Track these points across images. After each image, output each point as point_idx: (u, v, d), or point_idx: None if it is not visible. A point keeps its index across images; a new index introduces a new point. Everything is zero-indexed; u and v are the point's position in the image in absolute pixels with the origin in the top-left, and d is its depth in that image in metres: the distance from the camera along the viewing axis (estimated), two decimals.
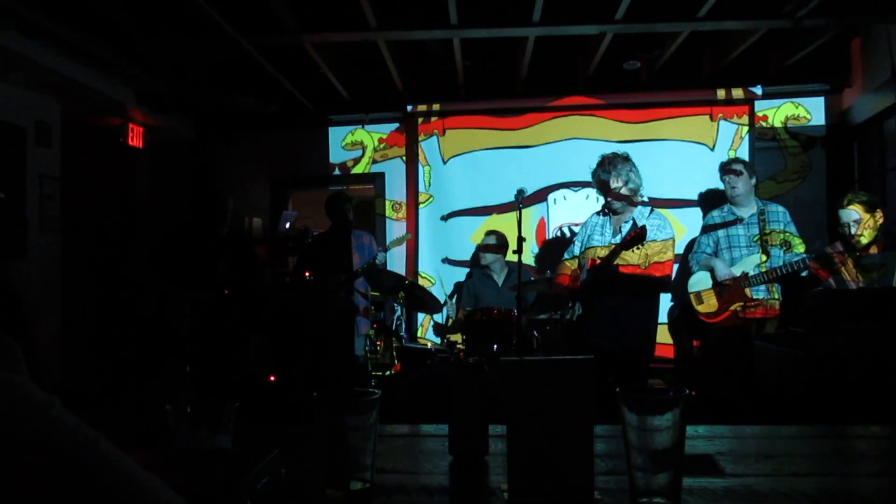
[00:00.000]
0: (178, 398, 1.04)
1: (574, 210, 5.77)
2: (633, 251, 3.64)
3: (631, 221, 3.78)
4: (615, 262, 3.69)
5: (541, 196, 5.89)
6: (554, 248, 5.62)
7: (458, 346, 4.59)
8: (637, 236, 3.53)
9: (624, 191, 3.81)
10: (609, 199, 3.90)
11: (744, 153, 5.41)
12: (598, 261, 3.79)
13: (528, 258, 5.78)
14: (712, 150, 5.62)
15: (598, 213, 4.07)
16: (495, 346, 4.20)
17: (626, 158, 3.86)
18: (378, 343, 5.16)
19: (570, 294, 4.02)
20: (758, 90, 5.56)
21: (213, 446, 1.03)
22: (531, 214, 5.85)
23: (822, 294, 3.63)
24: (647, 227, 3.69)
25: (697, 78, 5.72)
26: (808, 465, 1.16)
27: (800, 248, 4.16)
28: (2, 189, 4.62)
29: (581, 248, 4.07)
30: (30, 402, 0.58)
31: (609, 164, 3.83)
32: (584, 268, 3.91)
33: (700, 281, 4.37)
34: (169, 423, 1.02)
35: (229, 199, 4.53)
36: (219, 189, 4.64)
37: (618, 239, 3.78)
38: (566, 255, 4.25)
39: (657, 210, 3.87)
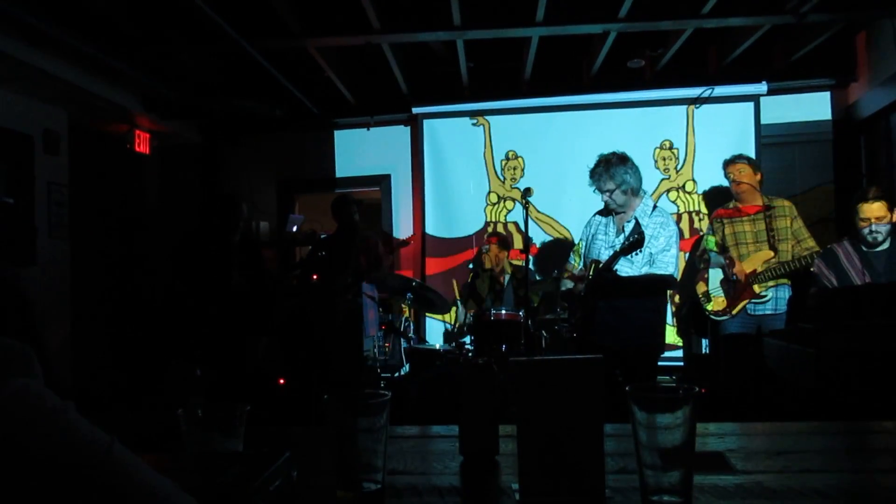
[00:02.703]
0: (190, 402, 1.05)
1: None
2: (636, 253, 3.63)
3: (633, 221, 3.76)
4: (621, 263, 3.67)
5: None
6: (558, 247, 5.62)
7: (466, 346, 4.60)
8: (635, 242, 3.51)
9: (617, 194, 3.77)
10: (604, 199, 3.88)
11: (750, 149, 5.39)
12: (600, 264, 3.77)
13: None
14: None
15: (599, 213, 4.04)
16: (504, 347, 4.21)
17: (621, 160, 3.76)
18: (387, 345, 5.17)
19: (578, 295, 4.01)
20: (763, 86, 5.54)
21: (225, 449, 1.03)
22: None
23: (828, 291, 3.61)
24: (650, 225, 3.67)
25: (702, 75, 5.71)
26: (820, 461, 1.15)
27: (808, 242, 4.14)
28: (11, 196, 4.66)
29: (585, 247, 4.05)
30: (45, 407, 0.59)
31: (602, 167, 3.80)
32: (588, 269, 3.90)
33: (708, 279, 4.36)
34: (181, 427, 1.03)
35: (243, 206, 4.52)
36: (233, 197, 4.63)
37: (621, 238, 3.77)
38: (572, 256, 4.24)
39: (660, 207, 3.85)
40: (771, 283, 4.11)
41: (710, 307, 4.32)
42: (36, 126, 5.01)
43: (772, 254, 4.11)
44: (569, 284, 4.11)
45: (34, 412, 0.58)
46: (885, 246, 3.73)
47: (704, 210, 5.60)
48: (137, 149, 5.93)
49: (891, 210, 3.69)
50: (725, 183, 4.49)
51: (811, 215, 4.88)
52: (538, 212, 5.87)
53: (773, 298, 4.14)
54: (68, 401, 0.61)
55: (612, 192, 3.76)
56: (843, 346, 2.72)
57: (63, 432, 0.59)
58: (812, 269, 3.92)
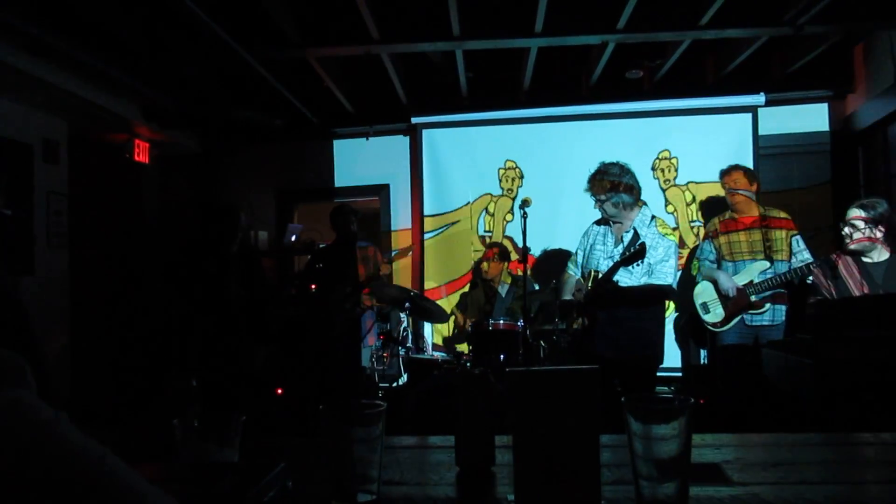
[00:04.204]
0: (186, 412, 1.05)
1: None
2: (635, 264, 3.62)
3: (632, 231, 3.76)
4: (619, 274, 3.66)
5: None
6: (556, 258, 5.62)
7: (464, 356, 4.59)
8: (637, 253, 3.50)
9: (608, 205, 3.77)
10: (598, 208, 3.87)
11: (748, 159, 5.41)
12: (599, 274, 3.77)
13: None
14: None
15: (597, 223, 4.03)
16: (502, 357, 4.20)
17: (619, 171, 3.75)
18: (384, 354, 5.16)
19: (576, 305, 4.01)
20: (761, 98, 5.57)
21: (221, 460, 1.03)
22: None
23: (826, 302, 3.61)
24: (648, 236, 3.67)
25: (700, 86, 5.73)
26: (817, 472, 1.15)
27: (803, 254, 4.14)
28: (10, 206, 4.65)
29: (583, 257, 4.04)
30: (37, 418, 0.59)
31: (598, 176, 3.80)
32: (587, 280, 3.89)
33: (705, 290, 4.36)
34: (176, 437, 1.03)
35: (241, 216, 4.52)
36: (231, 206, 4.63)
37: (619, 248, 3.76)
38: (569, 265, 4.24)
39: (658, 217, 3.85)
40: (768, 295, 4.11)
41: (707, 318, 4.32)
42: (35, 135, 5.02)
43: (767, 264, 4.12)
44: (567, 294, 4.11)
45: (26, 423, 0.58)
46: (884, 257, 3.73)
47: (702, 220, 5.61)
48: (137, 158, 5.94)
49: (871, 224, 3.67)
50: (723, 193, 4.50)
51: (809, 226, 4.87)
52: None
53: (771, 310, 4.14)
54: (61, 411, 0.61)
55: (603, 202, 3.77)
56: (842, 356, 2.72)
57: (55, 444, 0.58)
58: (809, 280, 3.92)
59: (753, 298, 4.11)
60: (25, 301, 3.61)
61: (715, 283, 4.26)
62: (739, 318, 4.18)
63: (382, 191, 6.48)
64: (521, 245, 3.91)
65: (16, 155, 4.83)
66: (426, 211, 6.15)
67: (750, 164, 5.30)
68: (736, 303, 4.16)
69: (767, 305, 4.12)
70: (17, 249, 4.78)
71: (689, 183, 5.72)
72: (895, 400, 2.55)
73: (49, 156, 5.13)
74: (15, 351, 0.64)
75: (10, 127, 4.78)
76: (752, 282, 4.11)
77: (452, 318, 5.51)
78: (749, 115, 5.63)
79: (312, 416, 1.00)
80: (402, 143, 6.44)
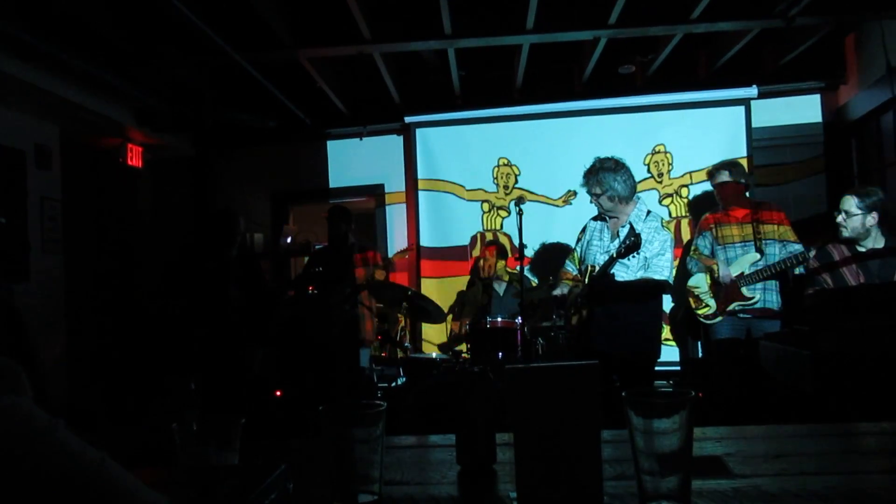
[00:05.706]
0: (185, 416, 1.04)
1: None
2: (631, 257, 3.63)
3: (628, 226, 3.76)
4: (616, 268, 3.67)
5: None
6: (554, 254, 5.62)
7: (463, 355, 4.59)
8: (632, 245, 3.51)
9: (604, 199, 3.78)
10: (594, 203, 3.88)
11: (741, 152, 5.42)
12: (596, 269, 3.77)
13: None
14: None
15: (594, 219, 4.04)
16: (500, 355, 4.20)
17: (614, 166, 3.76)
18: (383, 354, 5.15)
19: (573, 301, 4.01)
20: (753, 90, 5.57)
21: (221, 463, 1.03)
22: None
23: (822, 292, 3.61)
24: (644, 230, 3.67)
25: (693, 80, 5.74)
26: (818, 463, 1.15)
27: (794, 245, 4.15)
28: (3, 212, 4.64)
29: (581, 253, 4.05)
30: (34, 425, 0.58)
31: (593, 171, 3.81)
32: (585, 275, 3.90)
33: (698, 282, 4.37)
34: (176, 441, 1.02)
35: (240, 220, 4.52)
36: (230, 211, 4.62)
37: (616, 243, 3.77)
38: (567, 262, 4.24)
39: (653, 212, 3.86)
40: (758, 285, 4.12)
41: (700, 311, 4.33)
42: (27, 141, 5.00)
43: (758, 256, 4.13)
44: (564, 290, 4.11)
45: (23, 431, 0.57)
46: (879, 246, 3.74)
47: (697, 214, 5.61)
48: (130, 162, 5.92)
49: (864, 211, 3.70)
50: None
51: (802, 217, 4.90)
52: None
53: (761, 300, 4.14)
54: (58, 418, 0.60)
55: (598, 196, 3.78)
56: (839, 347, 2.72)
57: (53, 450, 0.58)
58: (799, 271, 3.93)
59: (744, 290, 4.12)
60: (20, 307, 3.60)
61: (710, 274, 4.27)
62: (731, 310, 4.19)
63: (377, 191, 6.47)
64: (517, 242, 3.91)
65: (8, 161, 4.82)
66: (421, 209, 6.14)
67: (744, 157, 5.31)
68: (727, 295, 4.18)
69: (757, 296, 4.13)
70: (11, 256, 4.76)
71: (683, 176, 5.73)
72: (893, 389, 2.56)
73: (42, 161, 5.11)
74: (11, 357, 0.64)
75: (2, 133, 4.76)
76: (742, 273, 4.13)
77: (450, 316, 5.50)
78: (742, 108, 5.63)
79: (312, 418, 0.99)
80: (395, 142, 6.43)
